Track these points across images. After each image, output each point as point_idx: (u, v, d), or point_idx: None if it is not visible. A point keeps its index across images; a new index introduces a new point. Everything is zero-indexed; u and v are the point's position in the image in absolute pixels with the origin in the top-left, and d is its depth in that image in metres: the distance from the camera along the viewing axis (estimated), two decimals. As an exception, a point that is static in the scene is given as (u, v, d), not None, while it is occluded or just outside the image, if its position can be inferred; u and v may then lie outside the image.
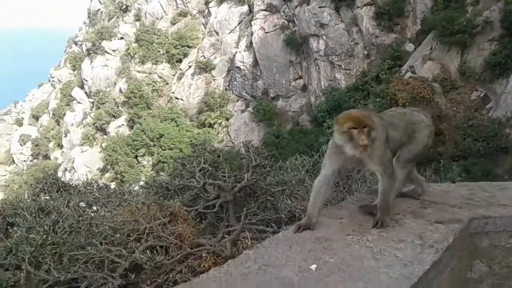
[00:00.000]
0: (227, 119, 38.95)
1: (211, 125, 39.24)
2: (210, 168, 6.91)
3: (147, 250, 4.42)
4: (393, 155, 3.14)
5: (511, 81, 21.84)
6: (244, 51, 39.33)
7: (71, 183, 7.49)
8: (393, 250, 2.48)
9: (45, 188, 6.64)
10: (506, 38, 23.15)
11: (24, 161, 52.64)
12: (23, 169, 51.21)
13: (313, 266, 2.37)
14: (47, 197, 6.39)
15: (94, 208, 6.55)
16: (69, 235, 4.62)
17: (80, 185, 7.60)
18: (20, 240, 4.43)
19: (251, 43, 38.42)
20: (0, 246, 4.61)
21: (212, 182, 6.32)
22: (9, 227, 5.44)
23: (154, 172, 36.04)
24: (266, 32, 37.34)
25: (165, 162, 36.77)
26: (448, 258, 2.54)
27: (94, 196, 6.97)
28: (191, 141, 34.67)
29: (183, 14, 48.43)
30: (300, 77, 36.51)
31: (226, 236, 5.12)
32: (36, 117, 57.55)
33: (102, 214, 5.79)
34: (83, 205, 6.39)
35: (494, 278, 2.82)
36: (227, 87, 41.08)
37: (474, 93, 23.63)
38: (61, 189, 6.73)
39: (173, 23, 48.32)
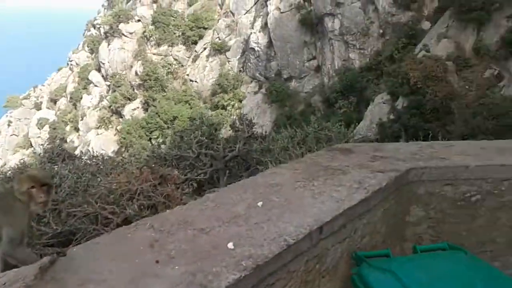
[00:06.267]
0: (240, 101, 39.20)
1: (224, 107, 39.54)
2: (206, 140, 7.30)
3: (138, 208, 4.85)
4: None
5: (527, 59, 21.48)
6: (259, 32, 39.33)
7: (76, 155, 7.97)
8: (332, 191, 2.80)
9: (52, 157, 7.12)
10: (524, 14, 22.71)
11: (42, 144, 53.77)
12: (40, 153, 52.38)
13: (260, 203, 2.74)
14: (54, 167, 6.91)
15: (99, 178, 6.98)
16: (68, 195, 5.08)
17: (86, 157, 8.12)
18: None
19: (266, 24, 38.40)
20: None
21: (205, 152, 6.71)
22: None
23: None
24: (282, 12, 37.21)
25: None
26: (379, 199, 2.82)
27: (98, 167, 7.45)
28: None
29: (200, -5, 48.45)
30: (314, 58, 36.39)
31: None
32: (54, 101, 58.71)
33: (101, 180, 6.23)
34: (89, 176, 6.83)
35: (429, 222, 3.11)
36: (241, 69, 41.22)
37: (487, 71, 23.28)
38: (66, 159, 7.21)
39: (190, 4, 48.44)
